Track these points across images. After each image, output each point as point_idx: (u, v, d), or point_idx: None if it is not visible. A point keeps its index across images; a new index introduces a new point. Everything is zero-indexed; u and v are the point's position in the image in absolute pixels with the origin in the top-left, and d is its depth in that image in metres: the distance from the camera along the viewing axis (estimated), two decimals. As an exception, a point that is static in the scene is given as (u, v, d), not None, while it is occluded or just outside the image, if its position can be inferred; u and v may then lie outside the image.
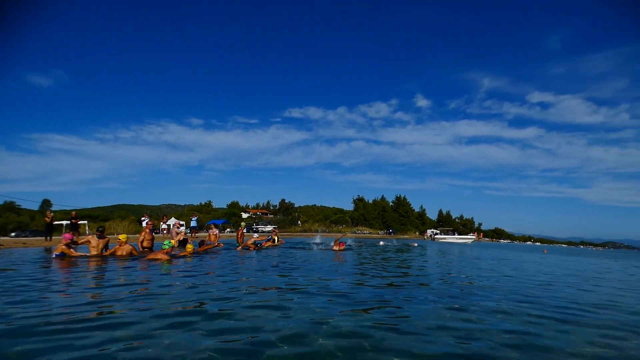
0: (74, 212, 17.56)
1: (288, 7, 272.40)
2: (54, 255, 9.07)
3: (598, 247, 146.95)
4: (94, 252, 9.52)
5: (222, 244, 14.19)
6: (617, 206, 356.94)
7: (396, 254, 15.05)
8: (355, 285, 6.23)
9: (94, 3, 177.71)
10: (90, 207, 75.18)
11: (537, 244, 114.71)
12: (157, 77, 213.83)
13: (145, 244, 11.27)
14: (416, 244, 27.51)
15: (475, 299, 5.31)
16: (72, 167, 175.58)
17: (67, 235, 9.63)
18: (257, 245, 14.30)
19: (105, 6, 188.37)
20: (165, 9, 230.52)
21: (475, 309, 4.57)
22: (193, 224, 25.74)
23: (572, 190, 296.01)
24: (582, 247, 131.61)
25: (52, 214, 17.02)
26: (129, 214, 48.27)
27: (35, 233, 29.24)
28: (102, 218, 52.34)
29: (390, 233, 71.26)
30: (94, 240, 9.70)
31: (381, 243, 23.82)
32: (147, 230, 11.58)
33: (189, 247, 10.84)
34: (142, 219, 22.11)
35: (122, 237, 10.18)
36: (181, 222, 21.97)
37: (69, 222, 18.72)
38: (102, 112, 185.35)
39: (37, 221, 35.94)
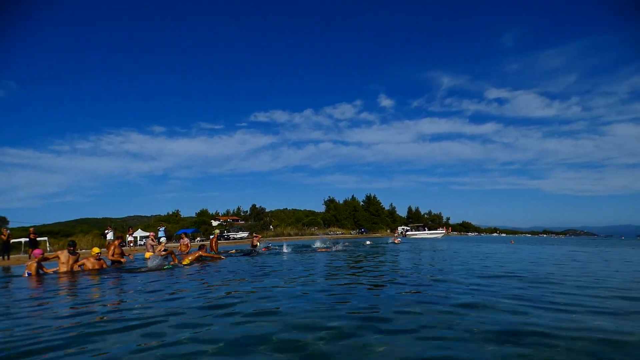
0: (32, 229, 16.82)
1: (251, 11, 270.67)
2: (26, 274, 8.79)
3: (560, 235, 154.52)
4: (63, 268, 9.29)
5: (223, 257, 13.29)
6: (573, 195, 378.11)
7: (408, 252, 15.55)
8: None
9: (44, 10, 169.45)
10: (50, 222, 71.57)
11: (503, 235, 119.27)
12: (115, 84, 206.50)
13: (115, 257, 11.17)
14: (399, 240, 28.14)
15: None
16: (29, 181, 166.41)
17: (37, 251, 9.33)
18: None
19: (56, 12, 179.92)
20: (121, 14, 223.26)
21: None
22: (161, 234, 25.18)
23: (530, 181, 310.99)
24: (545, 235, 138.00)
25: (8, 231, 16.24)
26: (92, 228, 46.39)
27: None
28: (63, 233, 49.96)
29: (362, 232, 72.09)
30: (63, 255, 9.44)
31: (367, 243, 24.44)
32: (117, 244, 11.49)
33: (187, 258, 10.73)
34: (106, 231, 21.50)
35: (95, 250, 9.97)
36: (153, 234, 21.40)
37: (27, 239, 17.90)
38: (57, 123, 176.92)
39: (-8, 240, 33.90)
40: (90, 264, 9.55)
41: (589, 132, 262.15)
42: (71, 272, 9.21)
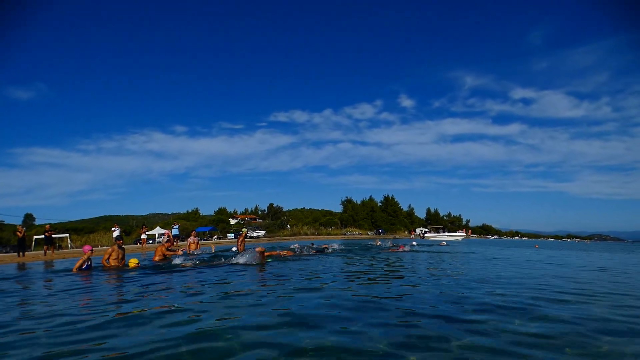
0: (47, 226, 17.35)
1: (271, 10, 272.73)
2: (80, 268, 8.84)
3: (585, 240, 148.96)
4: (114, 263, 9.36)
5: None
6: (600, 198, 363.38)
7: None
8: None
9: (72, 14, 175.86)
10: (75, 219, 74.10)
11: (525, 239, 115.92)
12: (139, 85, 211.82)
13: (158, 257, 11.17)
14: (445, 243, 27.26)
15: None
16: (57, 180, 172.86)
17: (87, 247, 9.32)
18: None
19: (83, 16, 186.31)
20: (144, 16, 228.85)
21: None
22: (175, 232, 25.58)
23: (556, 184, 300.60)
24: (569, 240, 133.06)
25: (23, 228, 16.76)
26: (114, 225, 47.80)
27: (15, 248, 29.01)
28: (87, 230, 51.68)
29: (380, 233, 71.43)
30: (116, 252, 9.48)
31: (414, 243, 24.04)
32: (167, 246, 11.36)
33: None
34: (112, 229, 21.78)
35: (133, 260, 9.80)
36: (169, 232, 21.72)
37: (43, 236, 18.48)
38: (84, 123, 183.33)
39: (18, 236, 35.40)
40: (132, 264, 9.48)
41: (619, 134, 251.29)
42: (121, 269, 9.12)
